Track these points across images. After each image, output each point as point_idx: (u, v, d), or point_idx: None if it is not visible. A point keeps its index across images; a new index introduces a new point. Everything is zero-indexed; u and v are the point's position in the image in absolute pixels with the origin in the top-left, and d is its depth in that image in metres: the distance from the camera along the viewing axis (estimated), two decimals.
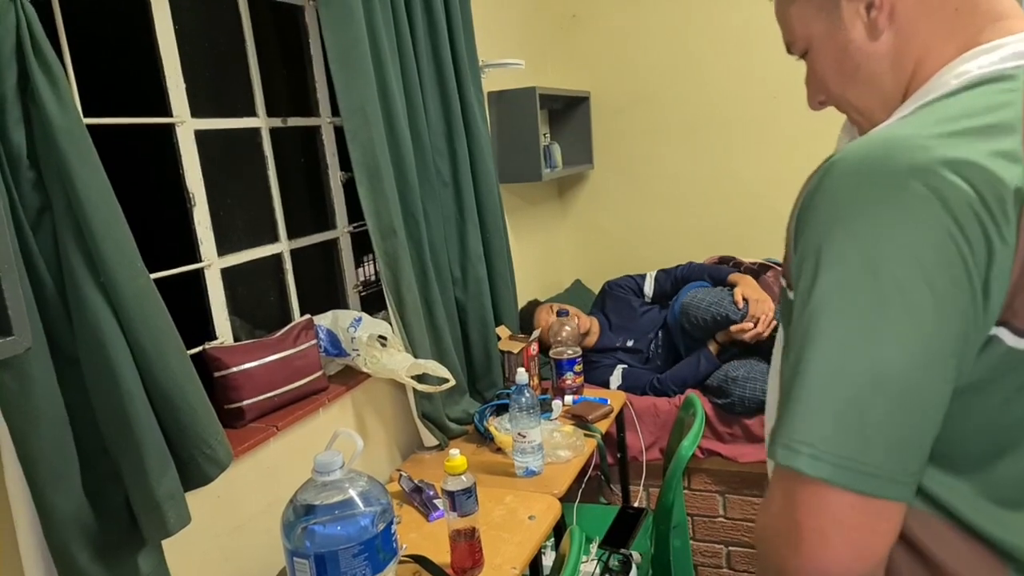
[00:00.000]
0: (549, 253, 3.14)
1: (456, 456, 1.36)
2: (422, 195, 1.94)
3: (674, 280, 2.69)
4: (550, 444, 1.87)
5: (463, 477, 1.35)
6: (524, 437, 1.75)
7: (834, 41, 0.68)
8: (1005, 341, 0.54)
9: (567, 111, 3.04)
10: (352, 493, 1.14)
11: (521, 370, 1.79)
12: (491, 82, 2.47)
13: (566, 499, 1.96)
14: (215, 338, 1.59)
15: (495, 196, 2.25)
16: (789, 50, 0.75)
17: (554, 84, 2.87)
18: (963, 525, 0.60)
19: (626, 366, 2.58)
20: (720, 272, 2.62)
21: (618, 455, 2.40)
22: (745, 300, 2.38)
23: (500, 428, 1.91)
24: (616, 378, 2.55)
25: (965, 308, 0.52)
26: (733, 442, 2.38)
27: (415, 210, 1.89)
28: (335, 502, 1.12)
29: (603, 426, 2.09)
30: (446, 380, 1.80)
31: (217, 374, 1.50)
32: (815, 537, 0.55)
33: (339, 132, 1.90)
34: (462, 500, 1.34)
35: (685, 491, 2.48)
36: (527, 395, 1.75)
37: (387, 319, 1.85)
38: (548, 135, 2.89)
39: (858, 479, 0.53)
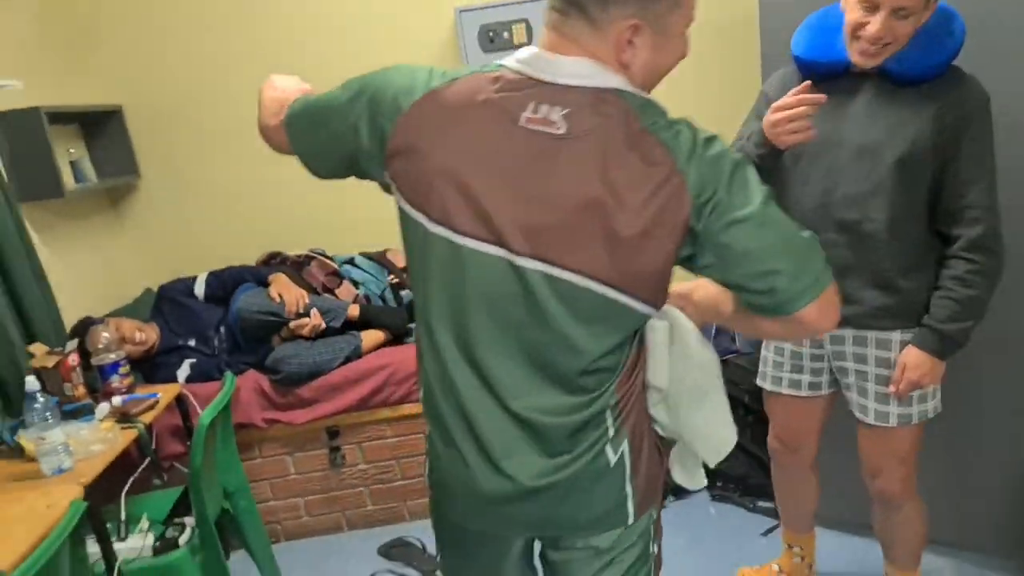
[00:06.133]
0: (110, 265, 3.15)
1: None
2: None
3: (223, 283, 2.92)
4: (81, 443, 2.01)
5: None
6: (44, 439, 1.88)
7: None
8: None
9: (102, 124, 3.06)
10: None
11: (31, 378, 1.90)
12: None
13: (115, 493, 2.13)
14: None
15: (6, 216, 2.27)
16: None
17: (75, 100, 2.88)
18: None
19: (194, 360, 2.78)
20: (260, 273, 2.96)
21: (187, 442, 2.61)
22: (280, 296, 2.76)
23: (29, 437, 1.99)
24: (184, 372, 2.74)
25: None
26: (289, 409, 2.75)
27: None
28: None
29: (149, 417, 2.27)
30: None
31: None
32: None
33: None
34: None
35: (258, 459, 2.80)
36: (40, 400, 1.87)
37: None
38: (75, 150, 2.88)
39: None
